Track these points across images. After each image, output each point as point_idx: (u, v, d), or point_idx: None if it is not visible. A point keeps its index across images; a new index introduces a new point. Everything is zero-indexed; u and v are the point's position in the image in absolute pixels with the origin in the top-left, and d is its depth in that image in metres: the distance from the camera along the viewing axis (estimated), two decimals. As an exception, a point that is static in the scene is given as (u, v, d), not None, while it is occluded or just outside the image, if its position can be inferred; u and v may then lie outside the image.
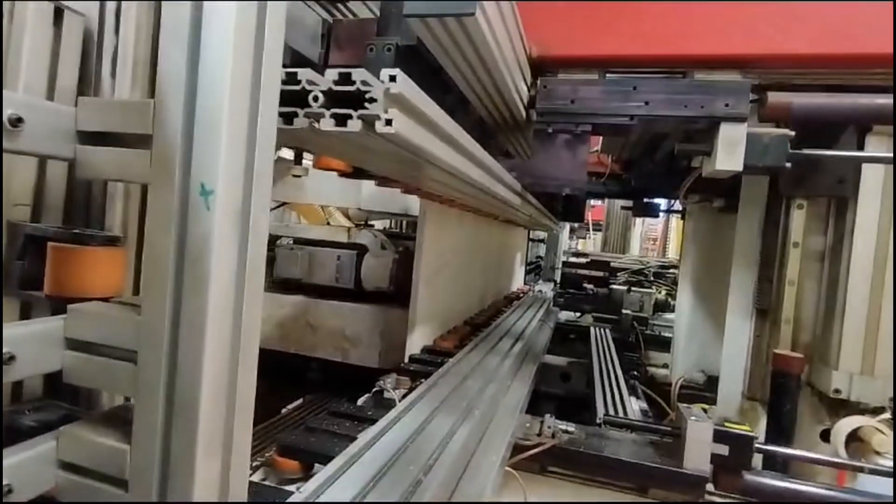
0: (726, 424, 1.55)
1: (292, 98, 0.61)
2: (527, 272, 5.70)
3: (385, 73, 0.58)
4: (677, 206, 4.32)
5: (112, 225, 1.02)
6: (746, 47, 1.51)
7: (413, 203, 3.06)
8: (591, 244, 11.29)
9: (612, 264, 5.15)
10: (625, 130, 1.64)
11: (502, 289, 4.13)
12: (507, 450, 1.44)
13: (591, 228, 9.93)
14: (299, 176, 1.34)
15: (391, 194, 2.32)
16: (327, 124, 0.59)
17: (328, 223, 3.72)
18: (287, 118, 0.61)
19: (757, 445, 1.54)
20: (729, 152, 1.49)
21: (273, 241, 2.47)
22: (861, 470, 1.52)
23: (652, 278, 4.98)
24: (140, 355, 0.53)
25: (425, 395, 1.45)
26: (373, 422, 1.20)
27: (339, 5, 1.47)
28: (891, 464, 1.61)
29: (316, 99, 0.59)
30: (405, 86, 0.59)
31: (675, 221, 9.61)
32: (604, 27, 1.62)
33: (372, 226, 4.54)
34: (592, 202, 9.75)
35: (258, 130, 0.52)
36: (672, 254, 9.64)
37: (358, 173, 1.20)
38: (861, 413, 1.78)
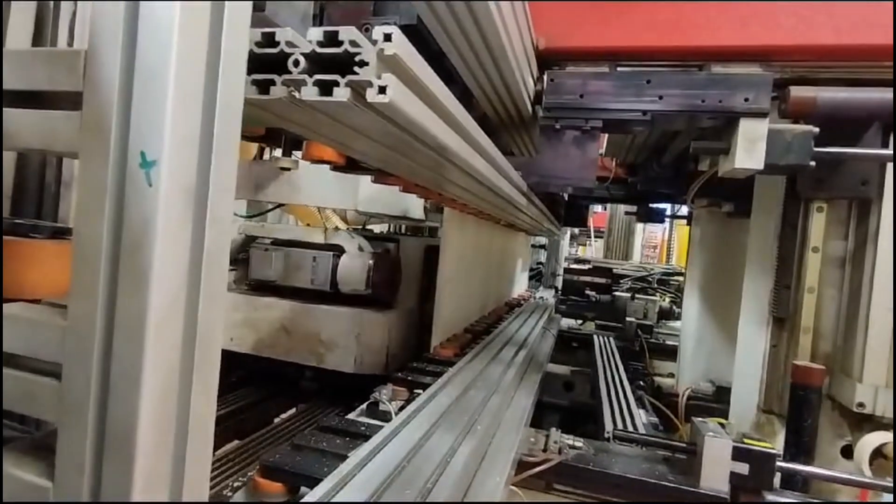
0: (746, 441, 1.45)
1: (270, 63, 0.51)
2: (528, 278, 5.60)
3: (379, 30, 0.48)
4: (683, 210, 4.23)
5: (67, 216, 0.92)
6: (767, 38, 1.42)
7: (412, 205, 2.96)
8: (592, 251, 11.20)
9: (614, 271, 5.06)
10: (637, 127, 1.55)
11: (503, 295, 4.03)
12: (512, 468, 1.34)
13: (592, 235, 9.85)
14: (288, 168, 1.24)
15: (390, 194, 2.24)
16: (310, 93, 0.49)
17: (325, 227, 3.62)
18: (263, 87, 0.51)
19: (778, 464, 1.44)
20: (749, 150, 1.40)
21: (251, 241, 2.37)
22: (889, 490, 1.41)
23: (656, 285, 4.88)
24: (65, 369, 0.43)
25: (424, 407, 1.34)
26: (366, 438, 1.10)
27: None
28: (921, 484, 1.51)
29: (296, 63, 0.50)
30: (403, 46, 0.49)
31: (678, 228, 9.52)
32: (614, 17, 1.53)
33: (370, 230, 4.44)
34: (595, 208, 9.68)
35: (218, 92, 0.43)
36: (675, 260, 9.54)
37: (352, 165, 1.10)
38: (886, 429, 1.67)
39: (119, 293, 0.40)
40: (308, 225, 3.21)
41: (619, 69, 1.54)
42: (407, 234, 3.59)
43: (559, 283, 5.53)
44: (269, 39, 0.51)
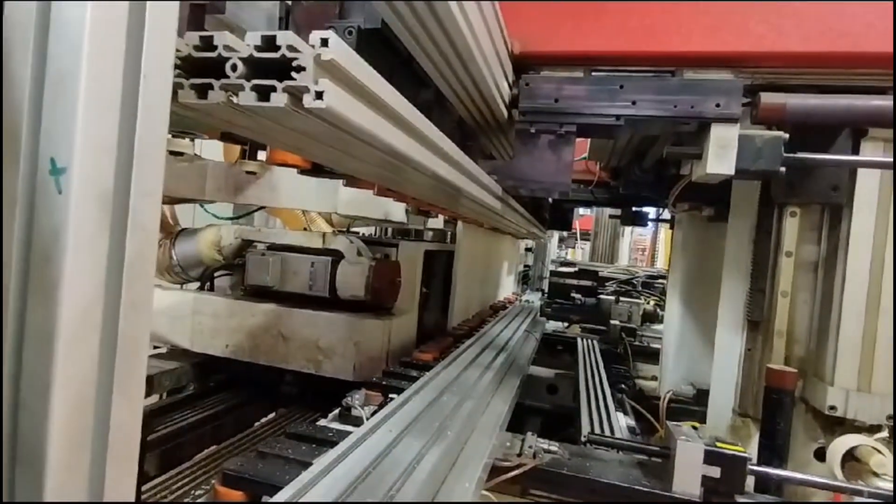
0: (718, 444, 1.46)
1: (209, 67, 0.50)
2: (515, 281, 5.61)
3: (316, 34, 0.48)
4: (666, 214, 4.26)
5: None
6: (738, 45, 1.44)
7: (393, 207, 2.96)
8: (580, 254, 11.27)
9: (600, 274, 5.08)
10: (611, 132, 1.55)
11: (488, 298, 4.03)
12: (484, 472, 1.33)
13: (578, 238, 9.89)
14: (254, 172, 1.22)
15: (370, 197, 2.23)
16: (247, 98, 0.49)
17: (309, 229, 3.61)
18: (201, 91, 0.50)
19: (750, 467, 1.44)
20: (720, 155, 1.41)
21: (247, 245, 2.35)
22: (860, 494, 1.42)
23: (640, 288, 4.91)
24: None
25: (396, 412, 1.34)
26: (333, 444, 1.09)
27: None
28: (889, 486, 1.52)
29: (234, 68, 0.49)
30: (340, 51, 0.49)
31: (664, 231, 9.60)
32: (589, 23, 1.54)
33: (356, 232, 4.42)
34: (581, 211, 9.72)
35: (140, 96, 0.42)
36: (661, 264, 9.61)
37: (318, 169, 1.10)
38: (858, 431, 1.69)
39: (28, 305, 0.39)
40: (292, 228, 3.19)
41: (593, 74, 1.55)
42: (407, 239, 3.57)
43: (545, 285, 5.54)
44: (207, 43, 0.50)
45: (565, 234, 10.27)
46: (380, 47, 1.05)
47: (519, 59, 1.58)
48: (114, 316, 0.42)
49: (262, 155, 1.96)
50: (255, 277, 2.25)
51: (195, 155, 2.50)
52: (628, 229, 11.16)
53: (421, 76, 1.28)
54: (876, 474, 1.61)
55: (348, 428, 1.28)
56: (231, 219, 3.25)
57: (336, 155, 0.75)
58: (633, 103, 1.47)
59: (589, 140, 3.33)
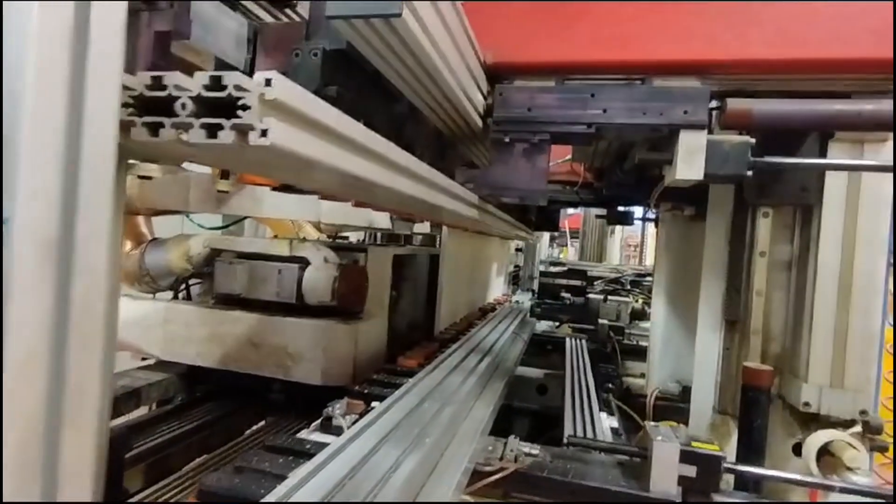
0: (694, 444, 1.49)
1: (161, 105, 0.52)
2: (505, 282, 5.64)
3: (259, 76, 0.50)
4: (652, 213, 4.31)
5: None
6: (705, 52, 1.47)
7: (378, 216, 2.98)
8: (573, 252, 11.32)
9: (588, 273, 5.12)
10: (584, 139, 1.58)
11: (476, 301, 4.06)
12: (465, 476, 1.36)
13: (569, 236, 9.94)
14: (226, 192, 1.24)
15: (350, 206, 2.25)
16: (197, 136, 0.51)
17: (299, 236, 3.62)
18: (153, 129, 0.52)
19: (726, 465, 1.47)
20: (689, 161, 1.44)
21: (216, 254, 2.36)
22: (832, 489, 1.46)
23: (629, 287, 4.95)
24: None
25: (375, 421, 1.36)
26: (311, 456, 1.11)
27: (288, 10, 1.40)
28: (863, 480, 1.56)
29: (184, 107, 0.51)
30: (284, 90, 0.51)
31: (652, 229, 9.65)
32: (561, 32, 1.56)
33: (346, 237, 4.43)
34: (570, 210, 9.76)
35: (83, 143, 0.43)
36: (650, 261, 9.68)
37: (290, 187, 1.12)
38: (832, 427, 1.73)
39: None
40: (276, 236, 3.20)
41: (566, 83, 1.58)
42: (378, 244, 3.59)
43: (536, 286, 5.57)
44: (157, 83, 0.52)
45: (556, 234, 10.33)
46: (347, 66, 1.07)
47: (492, 70, 1.61)
48: (60, 356, 0.44)
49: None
50: (223, 286, 2.27)
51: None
52: (619, 228, 11.22)
53: (392, 91, 1.30)
54: (850, 469, 1.65)
55: (328, 438, 1.30)
56: (217, 228, 3.26)
57: (300, 177, 0.77)
58: (604, 111, 1.49)
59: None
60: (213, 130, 0.50)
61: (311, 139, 0.57)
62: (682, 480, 1.45)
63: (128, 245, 2.52)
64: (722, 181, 1.67)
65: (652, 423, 1.61)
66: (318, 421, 1.46)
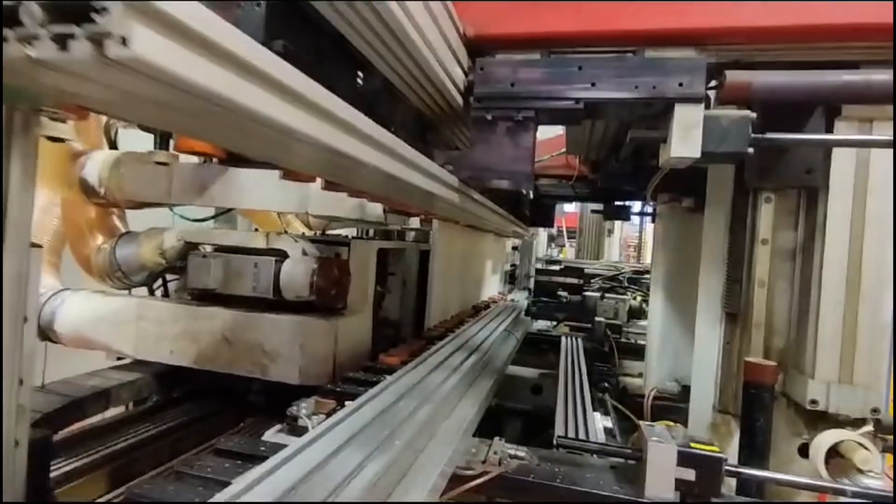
0: (693, 445, 1.37)
1: (7, 17, 0.41)
2: (501, 280, 5.53)
3: (119, -29, 0.39)
4: (650, 208, 4.19)
5: None
6: (701, 21, 1.36)
7: (370, 206, 2.86)
8: (572, 251, 11.19)
9: (585, 271, 5.00)
10: (572, 116, 1.47)
11: (469, 298, 3.94)
12: (443, 480, 1.24)
13: (566, 236, 9.82)
14: (165, 163, 1.13)
15: (341, 197, 2.14)
16: (46, 49, 0.40)
17: (286, 232, 3.50)
18: (-6, 46, 0.41)
19: (727, 468, 1.36)
20: (684, 138, 1.33)
21: (192, 248, 2.25)
22: (843, 493, 1.34)
23: (626, 284, 4.83)
24: None
25: (343, 420, 1.24)
26: (264, 460, 0.99)
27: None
28: (876, 483, 1.44)
29: (30, 14, 0.40)
30: (154, -12, 0.40)
31: (650, 225, 9.53)
32: (545, 2, 1.46)
33: (338, 234, 4.31)
34: (567, 209, 9.66)
35: None
36: (648, 259, 9.56)
37: (235, 158, 1.00)
38: (841, 426, 1.61)
39: None
40: (267, 230, 3.09)
41: (551, 56, 1.47)
42: (362, 238, 3.48)
43: (532, 284, 5.46)
44: (-1, -15, 0.41)
45: (555, 232, 10.22)
46: (302, 25, 0.96)
47: (473, 43, 1.50)
48: None
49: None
50: (196, 280, 2.16)
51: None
52: (618, 227, 11.11)
53: (361, 61, 1.19)
54: (861, 471, 1.53)
55: (291, 440, 1.18)
56: (202, 220, 3.14)
57: (227, 135, 0.66)
58: (593, 85, 1.38)
59: (566, 133, 3.25)
60: (64, 42, 0.39)
61: (206, 64, 0.46)
62: (680, 484, 1.34)
63: (99, 239, 2.41)
64: (721, 160, 1.55)
65: (647, 423, 1.50)
66: (283, 422, 1.34)
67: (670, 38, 1.38)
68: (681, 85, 1.32)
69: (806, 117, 1.50)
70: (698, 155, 1.33)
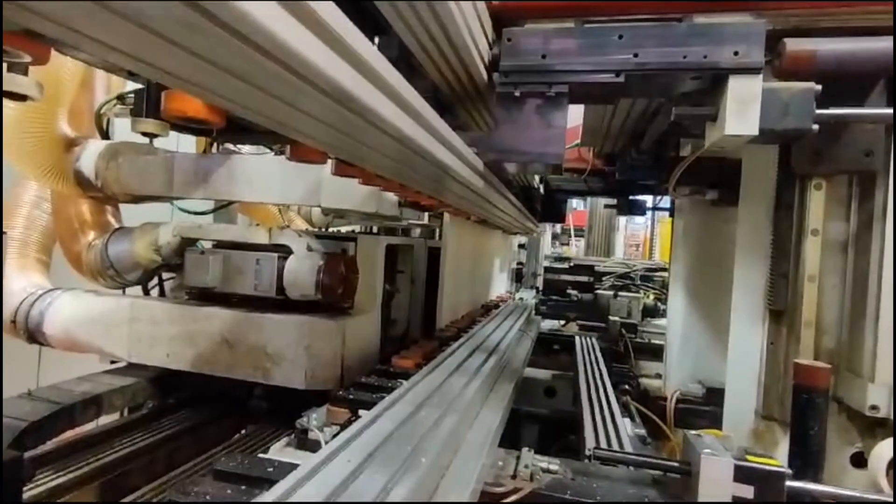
0: (749, 458, 1.23)
1: None
2: (508, 278, 5.38)
3: None
4: (664, 203, 4.05)
5: None
6: (757, -18, 1.21)
7: (385, 200, 2.70)
8: (575, 251, 11.04)
9: (596, 268, 4.86)
10: (611, 92, 1.32)
11: (479, 297, 3.79)
12: (473, 498, 1.10)
13: (573, 234, 9.68)
14: (155, 135, 0.98)
15: (354, 187, 1.98)
16: None
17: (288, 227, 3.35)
18: None
19: (788, 483, 1.21)
20: (740, 113, 1.18)
21: (189, 244, 2.10)
22: (919, 511, 1.19)
23: (639, 282, 4.69)
24: None
25: (361, 434, 1.09)
26: (272, 484, 0.85)
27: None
28: (950, 499, 1.29)
29: None
30: None
31: (660, 224, 9.40)
32: (580, -35, 1.31)
33: (339, 231, 4.16)
34: (574, 206, 9.51)
35: None
36: (658, 256, 9.41)
37: (235, 128, 0.85)
38: (902, 433, 1.46)
39: None
40: (257, 225, 2.94)
41: (586, 26, 1.32)
42: (370, 233, 3.33)
43: (540, 283, 5.31)
44: None
45: (559, 230, 10.07)
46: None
47: (498, 12, 1.35)
48: None
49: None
50: (194, 278, 2.01)
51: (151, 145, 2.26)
52: (622, 223, 10.98)
53: (377, 20, 1.04)
54: (927, 483, 1.38)
55: (301, 457, 1.04)
56: (203, 213, 2.98)
57: (222, 81, 0.51)
58: (635, 55, 1.24)
59: (581, 125, 3.11)
60: None
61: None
62: (737, 501, 1.19)
63: (91, 235, 2.26)
64: (779, 139, 1.40)
65: (693, 433, 1.35)
66: (291, 435, 1.19)
67: (721, 2, 1.23)
68: (736, 53, 1.17)
69: (867, 89, 1.36)
70: (756, 132, 1.18)
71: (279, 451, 1.16)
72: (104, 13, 0.36)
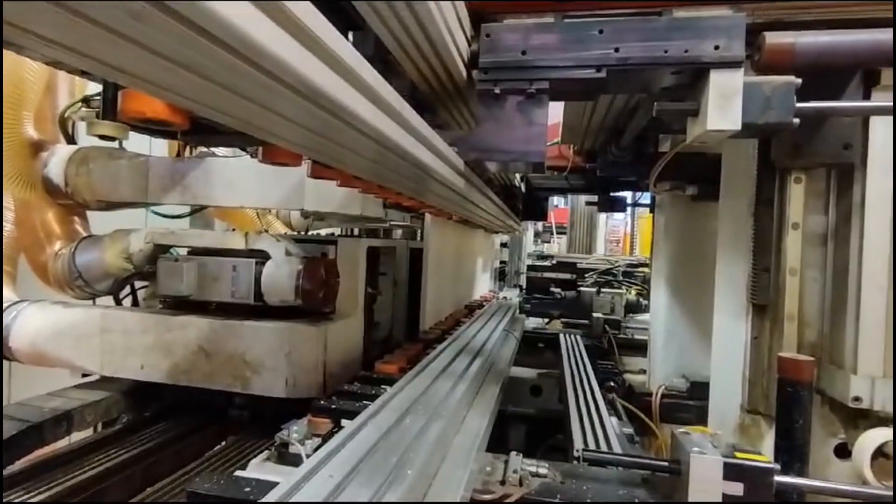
0: (737, 454, 1.22)
1: None
2: (491, 278, 5.36)
3: None
4: (645, 199, 4.07)
5: None
6: (736, -25, 1.20)
7: (369, 202, 2.65)
8: (557, 248, 11.10)
9: (578, 265, 4.87)
10: (591, 88, 1.30)
11: (462, 297, 3.77)
12: (462, 508, 1.07)
13: (554, 232, 9.72)
14: (113, 138, 0.94)
15: (337, 190, 1.93)
16: None
17: (266, 232, 3.28)
18: None
19: (776, 479, 1.21)
20: (722, 107, 1.17)
21: (162, 251, 2.03)
22: (904, 501, 1.20)
23: (621, 278, 4.71)
24: None
25: (344, 446, 1.05)
26: None
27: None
28: (933, 487, 1.31)
29: None
30: None
31: (640, 220, 9.49)
32: (558, -41, 1.28)
33: (319, 234, 4.10)
34: (555, 203, 9.55)
35: None
36: (639, 251, 9.51)
37: (201, 129, 0.81)
38: (884, 424, 1.48)
39: None
40: (234, 230, 2.86)
41: (566, 21, 1.30)
42: (349, 236, 3.28)
43: (523, 281, 5.31)
44: None
45: (541, 228, 10.11)
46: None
47: (477, 8, 1.32)
48: None
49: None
50: (167, 287, 1.94)
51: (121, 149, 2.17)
52: (603, 220, 11.07)
53: (352, 16, 1.00)
54: (911, 473, 1.40)
55: (281, 472, 0.99)
56: (179, 216, 2.89)
57: (181, 79, 0.47)
58: (616, 50, 1.22)
59: (561, 122, 3.11)
60: None
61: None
62: (727, 499, 1.18)
63: (57, 245, 2.16)
64: (761, 133, 1.40)
65: (682, 431, 1.34)
66: (273, 448, 1.14)
67: (700, -4, 1.22)
68: (717, 48, 1.16)
69: (845, 83, 1.36)
70: (738, 127, 1.17)
71: (258, 466, 1.11)
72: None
